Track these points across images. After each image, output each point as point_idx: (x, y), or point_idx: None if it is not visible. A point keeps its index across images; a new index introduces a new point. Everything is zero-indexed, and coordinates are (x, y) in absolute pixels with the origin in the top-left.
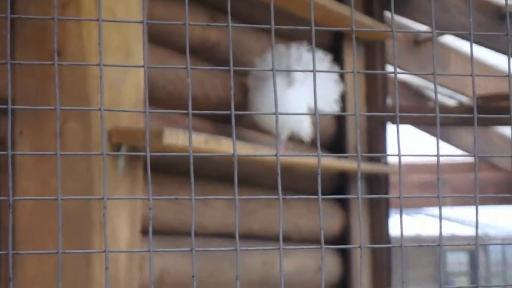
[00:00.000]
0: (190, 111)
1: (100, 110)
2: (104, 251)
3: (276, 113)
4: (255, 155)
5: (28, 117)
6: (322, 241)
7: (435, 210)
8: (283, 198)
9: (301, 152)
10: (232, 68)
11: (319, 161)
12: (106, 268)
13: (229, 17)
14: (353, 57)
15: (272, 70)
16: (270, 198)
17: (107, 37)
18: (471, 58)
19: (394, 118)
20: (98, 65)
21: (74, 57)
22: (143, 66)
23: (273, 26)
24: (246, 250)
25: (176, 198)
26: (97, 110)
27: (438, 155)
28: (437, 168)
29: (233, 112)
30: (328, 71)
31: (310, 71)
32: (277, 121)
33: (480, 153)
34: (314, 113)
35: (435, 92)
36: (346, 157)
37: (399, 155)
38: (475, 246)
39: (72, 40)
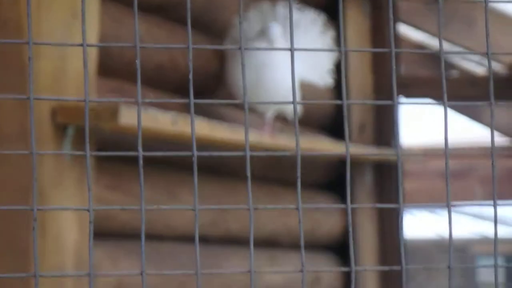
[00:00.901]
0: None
1: (28, 43)
2: (34, 275)
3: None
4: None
5: None
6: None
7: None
8: (269, 188)
9: (286, 134)
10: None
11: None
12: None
13: None
14: (340, 24)
15: (239, 48)
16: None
17: None
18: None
19: (408, 91)
20: (27, 43)
21: (9, 21)
22: (81, 45)
23: None
24: (223, 254)
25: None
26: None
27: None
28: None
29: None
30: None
31: (287, 49)
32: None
33: None
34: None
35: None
36: (343, 138)
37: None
38: None
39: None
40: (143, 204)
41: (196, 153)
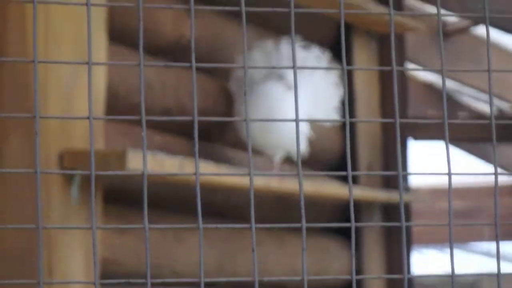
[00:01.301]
0: (144, 117)
1: (34, 117)
2: (38, 283)
3: (247, 120)
4: (221, 174)
5: None
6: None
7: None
8: (276, 231)
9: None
10: (194, 64)
11: (301, 184)
12: None
13: None
14: (341, 48)
15: (243, 67)
16: (241, 227)
17: (59, 28)
18: (487, 49)
19: (416, 132)
20: (32, 61)
21: (16, 54)
22: (87, 63)
23: (243, 8)
24: None
25: (125, 228)
26: (31, 117)
27: (449, 173)
28: (449, 190)
29: (195, 118)
30: (312, 67)
31: (289, 67)
32: (248, 131)
33: None
34: (294, 120)
35: (443, 91)
36: (356, 181)
37: (399, 174)
38: None
39: (13, 30)
40: (146, 223)
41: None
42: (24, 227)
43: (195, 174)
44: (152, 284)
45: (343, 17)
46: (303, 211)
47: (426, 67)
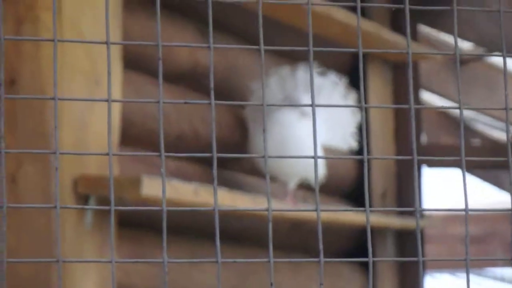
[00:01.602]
0: (163, 154)
1: (54, 153)
2: None
3: (265, 156)
4: (241, 209)
5: None
6: None
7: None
8: (289, 256)
9: (309, 203)
10: (213, 102)
11: (319, 215)
12: None
13: (211, 35)
14: (360, 87)
15: (262, 105)
16: (260, 261)
17: (73, 58)
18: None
19: (429, 160)
20: (53, 98)
21: (30, 86)
22: (107, 100)
23: (262, 47)
24: None
25: (146, 261)
26: (52, 153)
27: (466, 210)
28: (466, 225)
29: (215, 154)
30: (331, 105)
31: (309, 105)
32: (266, 168)
33: None
34: (313, 156)
35: (461, 127)
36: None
37: (416, 210)
38: None
39: (29, 66)
40: (165, 256)
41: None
42: (45, 261)
43: (213, 209)
44: None
45: (361, 53)
46: (321, 245)
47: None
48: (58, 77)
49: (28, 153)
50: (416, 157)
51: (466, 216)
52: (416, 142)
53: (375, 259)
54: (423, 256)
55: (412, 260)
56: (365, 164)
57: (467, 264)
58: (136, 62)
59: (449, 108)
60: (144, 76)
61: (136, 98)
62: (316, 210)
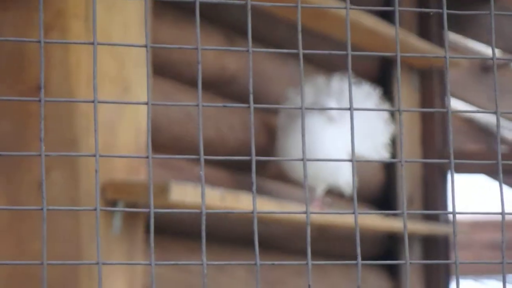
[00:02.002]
0: (202, 156)
1: (94, 156)
2: None
3: (304, 159)
4: (280, 213)
5: (4, 166)
6: None
7: None
8: (313, 264)
9: (336, 209)
10: (252, 105)
11: (356, 220)
12: None
13: (250, 38)
14: (397, 89)
15: (301, 108)
16: (298, 264)
17: (101, 65)
18: None
19: (456, 166)
20: (92, 101)
21: (59, 92)
22: (146, 103)
23: (301, 51)
24: None
25: (184, 264)
26: (91, 156)
27: (503, 213)
28: (502, 229)
29: (253, 157)
30: (368, 109)
31: (347, 109)
32: (305, 171)
33: None
34: (351, 160)
35: (498, 131)
36: (394, 214)
37: (453, 213)
38: None
39: (57, 71)
40: (204, 259)
41: (256, 212)
42: (85, 263)
43: (252, 212)
44: None
45: (399, 59)
46: (358, 249)
47: (478, 109)
48: (86, 84)
49: (55, 160)
50: (452, 160)
51: (503, 219)
52: (443, 147)
53: (412, 261)
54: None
55: (448, 262)
56: (403, 168)
57: (503, 267)
58: (163, 68)
59: (484, 112)
60: (171, 82)
61: (164, 107)
62: (353, 213)
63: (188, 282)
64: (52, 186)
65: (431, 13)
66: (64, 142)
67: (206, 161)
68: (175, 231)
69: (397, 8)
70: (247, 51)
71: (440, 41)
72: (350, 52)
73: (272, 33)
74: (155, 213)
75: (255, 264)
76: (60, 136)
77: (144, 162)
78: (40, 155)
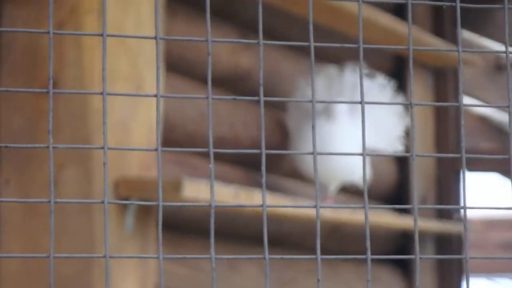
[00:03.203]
0: (211, 150)
1: (102, 148)
2: None
3: (314, 153)
4: (289, 206)
5: (16, 162)
6: None
7: None
8: (328, 260)
9: (345, 205)
10: (262, 98)
11: (366, 213)
12: None
13: (260, 30)
14: (410, 83)
15: (311, 101)
16: (307, 258)
17: (114, 64)
18: None
19: (469, 164)
20: (101, 93)
21: (72, 88)
22: (155, 96)
23: (312, 43)
24: None
25: (191, 258)
26: (99, 148)
27: None
28: None
29: (263, 151)
30: (380, 103)
31: (358, 102)
32: (315, 163)
33: None
34: (362, 154)
35: (510, 126)
36: (408, 211)
37: (464, 207)
38: None
39: (70, 68)
40: (213, 253)
41: (266, 205)
42: (92, 256)
43: (262, 206)
44: None
45: (412, 54)
46: (368, 242)
47: (490, 104)
48: (99, 82)
49: (69, 157)
50: (464, 155)
51: None
52: (457, 147)
53: (421, 256)
54: (462, 261)
55: (459, 257)
56: (414, 162)
57: None
58: (176, 66)
59: (498, 107)
60: (185, 79)
61: (177, 102)
62: (364, 207)
63: (200, 280)
64: (66, 183)
65: (445, 7)
66: (78, 139)
67: (221, 159)
68: (188, 229)
69: (409, 3)
70: (258, 43)
71: (454, 40)
72: (361, 45)
73: (289, 32)
74: (168, 211)
75: (264, 258)
76: (73, 133)
77: (157, 160)
78: (48, 147)
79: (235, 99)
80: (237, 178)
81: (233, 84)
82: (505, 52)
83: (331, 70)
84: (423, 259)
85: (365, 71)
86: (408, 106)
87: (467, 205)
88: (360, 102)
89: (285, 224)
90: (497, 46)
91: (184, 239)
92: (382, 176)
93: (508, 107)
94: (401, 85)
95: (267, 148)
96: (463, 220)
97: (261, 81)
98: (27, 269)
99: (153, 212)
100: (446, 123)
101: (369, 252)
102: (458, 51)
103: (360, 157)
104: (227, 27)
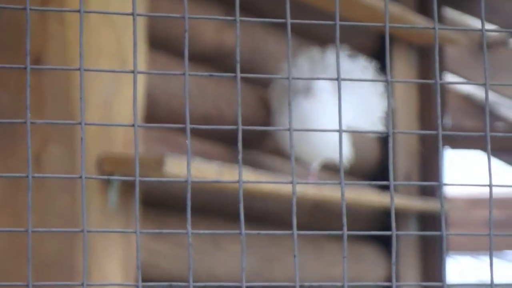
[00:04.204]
0: (188, 125)
1: (80, 124)
2: (82, 285)
3: (290, 129)
4: (266, 182)
5: (0, 138)
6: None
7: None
8: (313, 238)
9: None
10: (238, 74)
11: (343, 189)
12: None
13: (237, 7)
14: (386, 61)
15: (287, 78)
16: (284, 234)
17: (99, 40)
18: None
19: (453, 141)
20: (78, 69)
21: (55, 65)
22: (132, 72)
23: (288, 20)
24: None
25: (168, 233)
26: (77, 124)
27: (490, 185)
28: (490, 201)
29: (240, 127)
30: (355, 79)
31: (334, 79)
32: (291, 139)
33: None
34: (338, 130)
35: (486, 105)
36: (387, 188)
37: (440, 184)
38: None
39: (54, 44)
40: (189, 228)
41: (242, 181)
42: (70, 230)
43: (238, 181)
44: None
45: (388, 31)
46: (344, 218)
47: (468, 81)
48: (84, 62)
49: (52, 134)
50: (440, 132)
51: (491, 190)
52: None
53: (398, 232)
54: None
55: (435, 234)
56: (390, 139)
57: (490, 238)
58: (161, 43)
59: (475, 84)
60: (169, 57)
61: (162, 79)
62: (340, 183)
63: (183, 257)
64: (49, 160)
65: None
66: (61, 115)
67: (204, 136)
68: (172, 206)
69: None
70: (235, 20)
71: (440, 18)
72: (338, 22)
73: (278, 11)
74: (152, 188)
75: (240, 233)
76: (57, 109)
77: (141, 136)
78: (25, 122)
79: (211, 75)
80: (221, 155)
81: (218, 61)
82: (481, 30)
83: (314, 51)
84: (405, 236)
85: (347, 52)
86: (393, 87)
87: (448, 182)
88: (337, 79)
89: (268, 202)
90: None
91: (168, 216)
92: (365, 154)
93: (484, 84)
94: (384, 66)
95: (251, 125)
96: (440, 197)
97: (238, 58)
98: (13, 246)
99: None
100: (429, 101)
101: (345, 228)
102: (435, 28)
103: (343, 135)
104: (213, 5)
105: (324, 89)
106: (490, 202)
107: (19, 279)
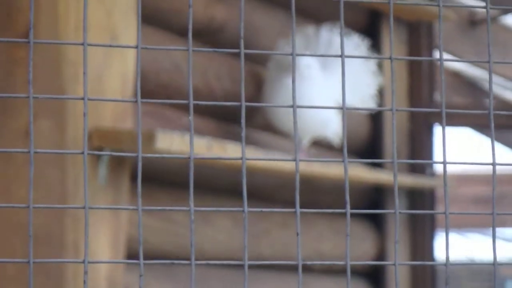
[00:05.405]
0: (192, 102)
1: (83, 99)
2: (83, 261)
3: (294, 106)
4: (268, 159)
5: None
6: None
7: (497, 230)
8: (301, 212)
9: (325, 158)
10: (242, 50)
11: (346, 169)
12: (85, 282)
13: None
14: (390, 39)
15: (291, 54)
16: (287, 211)
17: (88, 16)
18: None
19: (441, 118)
20: (82, 44)
21: (47, 38)
22: (136, 47)
23: None
24: (257, 279)
25: (171, 210)
26: (79, 99)
27: (494, 164)
28: (493, 179)
29: (243, 103)
30: (359, 56)
31: (338, 56)
32: (295, 118)
33: None
34: (342, 107)
35: (490, 84)
36: (381, 166)
37: (444, 163)
38: None
39: (45, 17)
40: (191, 206)
41: (245, 158)
42: (72, 207)
43: (241, 158)
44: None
45: (392, 8)
46: (347, 196)
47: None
48: (74, 31)
49: (42, 108)
50: (444, 110)
51: (494, 168)
52: (430, 101)
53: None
54: (434, 216)
55: (438, 213)
56: (394, 116)
57: (493, 217)
58: (152, 17)
59: (479, 62)
60: (160, 32)
61: (151, 53)
62: (343, 161)
63: (174, 232)
64: (39, 134)
65: None
66: (52, 89)
67: (194, 111)
68: (162, 180)
69: None
70: None
71: None
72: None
73: None
74: (142, 163)
75: (243, 211)
76: (47, 84)
77: (131, 110)
78: (28, 97)
79: (215, 51)
80: (210, 130)
81: (208, 36)
82: (485, 7)
83: (309, 29)
84: (394, 215)
85: (339, 30)
86: (381, 65)
87: (442, 160)
88: (340, 56)
89: (256, 176)
90: (472, 1)
91: (157, 191)
92: (356, 130)
93: (488, 62)
94: (376, 40)
95: (239, 100)
96: (443, 176)
97: (242, 34)
98: (2, 220)
99: (126, 164)
100: (419, 77)
101: (348, 206)
102: (439, 5)
103: (333, 112)
104: None
105: (310, 66)
106: (494, 180)
107: (7, 254)
